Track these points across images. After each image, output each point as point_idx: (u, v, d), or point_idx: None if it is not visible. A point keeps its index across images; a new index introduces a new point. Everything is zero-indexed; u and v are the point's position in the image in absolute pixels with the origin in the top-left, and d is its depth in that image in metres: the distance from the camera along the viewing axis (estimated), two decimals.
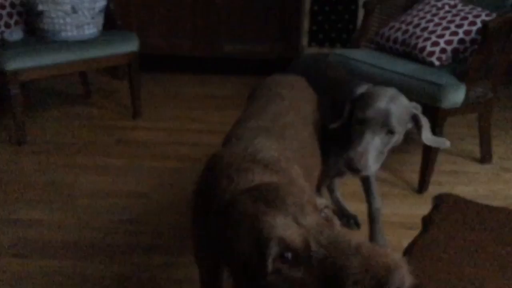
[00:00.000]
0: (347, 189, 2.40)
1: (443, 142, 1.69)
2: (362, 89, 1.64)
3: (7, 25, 3.08)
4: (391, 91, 1.60)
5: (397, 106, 1.56)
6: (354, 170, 1.57)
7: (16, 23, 3.13)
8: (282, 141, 1.23)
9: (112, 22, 3.34)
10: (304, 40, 4.33)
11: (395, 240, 2.09)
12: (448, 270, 1.19)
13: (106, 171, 2.68)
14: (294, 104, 1.45)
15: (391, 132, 1.57)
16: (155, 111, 3.52)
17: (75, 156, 2.85)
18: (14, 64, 2.79)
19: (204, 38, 4.12)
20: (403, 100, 1.60)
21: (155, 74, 4.22)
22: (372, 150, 1.56)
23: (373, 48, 2.88)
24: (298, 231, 0.79)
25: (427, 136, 1.65)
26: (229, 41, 4.12)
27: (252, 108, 1.43)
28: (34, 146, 2.97)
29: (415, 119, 1.63)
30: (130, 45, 3.18)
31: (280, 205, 0.83)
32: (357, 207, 2.23)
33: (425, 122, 1.64)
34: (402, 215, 2.29)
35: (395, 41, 2.70)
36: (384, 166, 2.74)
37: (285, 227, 0.80)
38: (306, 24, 4.31)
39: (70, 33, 3.00)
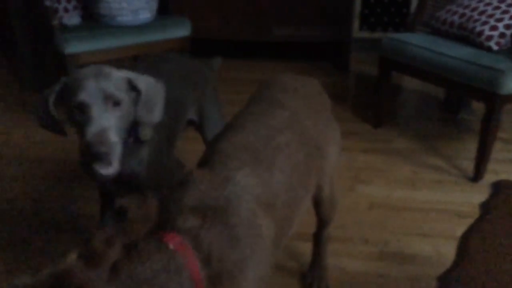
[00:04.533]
0: None
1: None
2: (61, 80, 1.48)
3: (66, 10, 3.19)
4: (93, 68, 1.45)
5: (105, 77, 1.42)
6: (99, 155, 1.33)
7: (74, 8, 3.23)
8: (268, 175, 1.11)
9: (165, 7, 3.40)
10: (356, 24, 4.27)
11: (449, 228, 2.06)
12: (507, 261, 1.17)
13: None
14: (293, 116, 1.31)
15: (117, 103, 1.42)
16: None
17: None
18: (73, 47, 2.89)
19: (253, 21, 4.11)
20: (111, 71, 1.46)
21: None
22: (108, 125, 1.38)
23: (428, 32, 2.81)
24: None
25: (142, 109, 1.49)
26: (278, 24, 4.08)
27: (246, 115, 1.29)
28: None
29: (131, 83, 1.48)
30: (183, 30, 3.23)
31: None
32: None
33: (145, 84, 1.50)
34: (456, 203, 2.25)
35: (451, 24, 2.62)
36: (438, 153, 2.71)
37: None
38: (357, 7, 4.25)
39: (126, 17, 3.07)
